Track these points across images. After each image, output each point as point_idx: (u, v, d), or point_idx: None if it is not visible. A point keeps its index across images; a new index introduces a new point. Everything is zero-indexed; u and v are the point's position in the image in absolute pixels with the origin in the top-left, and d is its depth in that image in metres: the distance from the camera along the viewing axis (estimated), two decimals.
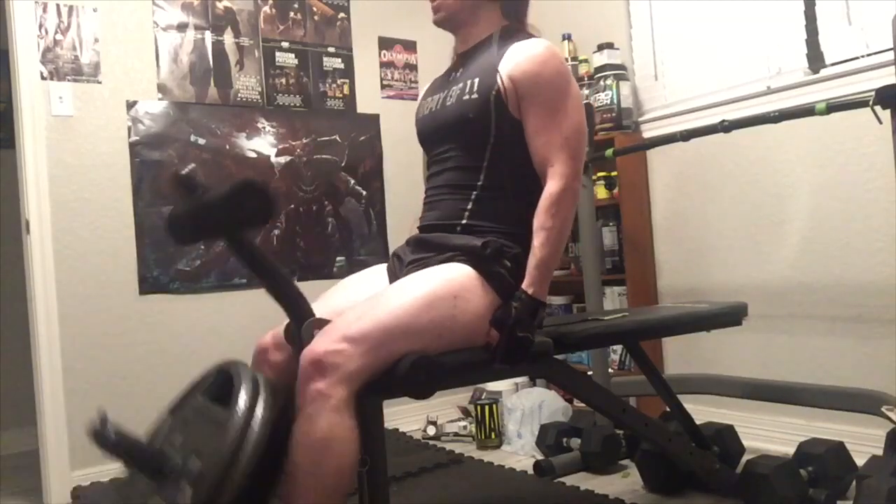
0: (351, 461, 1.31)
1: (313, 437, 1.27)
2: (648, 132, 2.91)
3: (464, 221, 1.62)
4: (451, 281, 1.48)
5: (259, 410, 1.22)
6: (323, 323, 1.39)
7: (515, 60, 1.58)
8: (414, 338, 1.40)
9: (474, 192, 1.62)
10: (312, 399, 1.28)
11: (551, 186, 1.54)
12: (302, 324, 1.38)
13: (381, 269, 1.74)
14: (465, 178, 1.64)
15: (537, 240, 1.52)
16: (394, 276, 1.65)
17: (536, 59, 1.57)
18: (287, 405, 1.31)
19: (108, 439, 1.19)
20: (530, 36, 1.65)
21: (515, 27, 1.71)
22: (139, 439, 1.26)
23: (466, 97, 1.62)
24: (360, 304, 1.45)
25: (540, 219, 1.53)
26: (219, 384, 1.34)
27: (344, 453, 1.29)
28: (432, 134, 1.74)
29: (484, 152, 1.62)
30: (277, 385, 1.36)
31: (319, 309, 1.52)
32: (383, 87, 3.43)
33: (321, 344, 1.32)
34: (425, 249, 1.62)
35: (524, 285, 1.51)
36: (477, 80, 1.62)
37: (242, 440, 1.18)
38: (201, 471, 1.17)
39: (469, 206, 1.62)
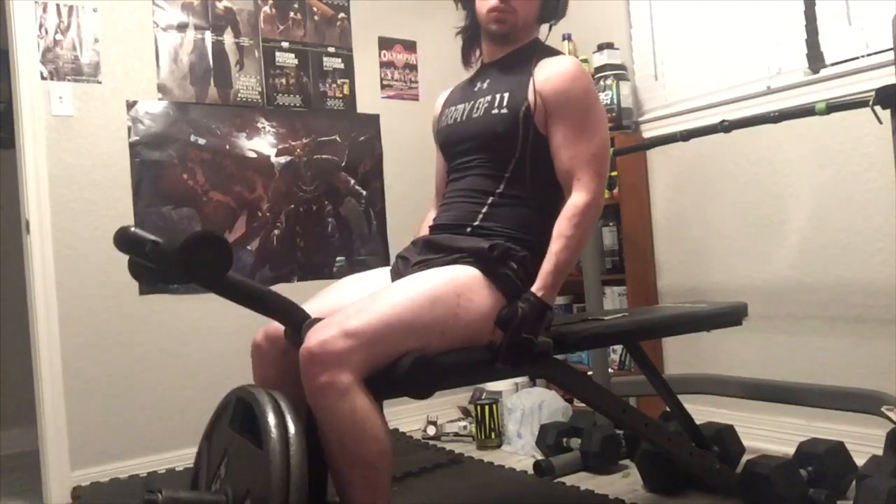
0: (384, 434, 1.33)
1: (340, 426, 1.28)
2: (648, 132, 2.91)
3: (476, 223, 1.63)
4: (454, 279, 1.48)
5: (291, 436, 1.23)
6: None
7: (545, 76, 1.61)
8: (415, 334, 1.39)
9: (491, 198, 1.64)
10: (322, 392, 1.29)
11: (577, 198, 1.56)
12: (299, 327, 1.38)
13: (384, 272, 1.74)
14: (484, 184, 1.66)
15: (556, 245, 1.54)
16: (398, 277, 1.65)
17: (567, 77, 1.60)
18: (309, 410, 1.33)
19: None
20: (558, 52, 1.70)
21: (543, 45, 1.74)
22: (189, 496, 1.29)
23: (496, 111, 1.64)
24: (362, 299, 1.44)
25: (561, 226, 1.55)
26: (242, 414, 1.36)
27: (374, 430, 1.31)
28: (457, 144, 1.75)
29: (508, 164, 1.64)
30: (293, 394, 1.37)
31: (315, 306, 1.53)
32: (383, 87, 3.43)
33: (319, 336, 1.31)
34: (432, 251, 1.63)
35: (534, 288, 1.51)
36: (507, 95, 1.64)
37: (287, 473, 1.19)
38: None
39: (484, 210, 1.64)
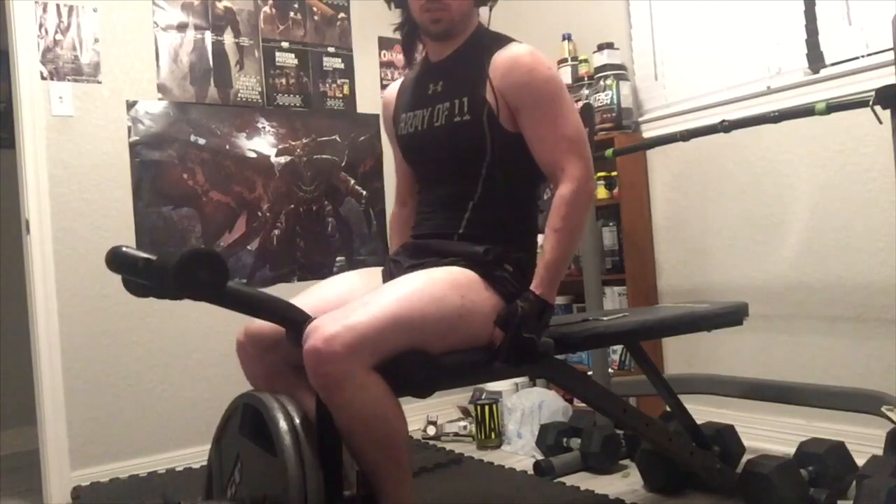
0: (400, 413, 1.34)
1: (363, 415, 1.29)
2: (648, 132, 2.91)
3: (461, 231, 1.60)
4: (457, 281, 1.47)
5: (303, 441, 1.26)
6: None
7: (501, 73, 1.54)
8: (419, 331, 1.38)
9: (471, 202, 1.61)
10: (338, 386, 1.27)
11: (563, 189, 1.52)
12: (301, 329, 1.37)
13: (376, 271, 1.72)
14: (460, 193, 1.62)
15: (548, 242, 1.51)
16: (390, 279, 1.63)
17: (524, 69, 1.53)
18: (322, 410, 1.33)
19: None
20: (507, 39, 1.61)
21: (490, 32, 1.67)
22: None
23: (458, 119, 1.58)
24: (364, 295, 1.42)
25: (551, 220, 1.52)
26: (250, 419, 1.39)
27: (394, 411, 1.32)
28: (421, 154, 1.71)
29: (480, 169, 1.60)
30: (285, 389, 1.39)
31: (309, 299, 1.52)
32: (383, 87, 3.43)
33: (323, 333, 1.29)
34: (425, 254, 1.61)
35: (532, 286, 1.50)
36: (466, 100, 1.58)
37: (303, 479, 1.23)
38: None
39: (466, 216, 1.61)
